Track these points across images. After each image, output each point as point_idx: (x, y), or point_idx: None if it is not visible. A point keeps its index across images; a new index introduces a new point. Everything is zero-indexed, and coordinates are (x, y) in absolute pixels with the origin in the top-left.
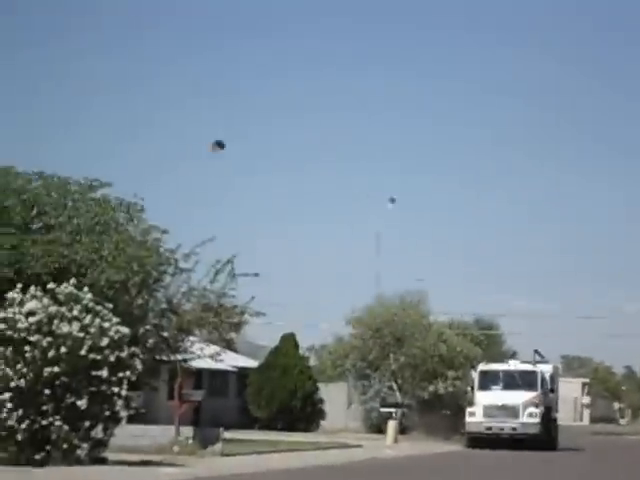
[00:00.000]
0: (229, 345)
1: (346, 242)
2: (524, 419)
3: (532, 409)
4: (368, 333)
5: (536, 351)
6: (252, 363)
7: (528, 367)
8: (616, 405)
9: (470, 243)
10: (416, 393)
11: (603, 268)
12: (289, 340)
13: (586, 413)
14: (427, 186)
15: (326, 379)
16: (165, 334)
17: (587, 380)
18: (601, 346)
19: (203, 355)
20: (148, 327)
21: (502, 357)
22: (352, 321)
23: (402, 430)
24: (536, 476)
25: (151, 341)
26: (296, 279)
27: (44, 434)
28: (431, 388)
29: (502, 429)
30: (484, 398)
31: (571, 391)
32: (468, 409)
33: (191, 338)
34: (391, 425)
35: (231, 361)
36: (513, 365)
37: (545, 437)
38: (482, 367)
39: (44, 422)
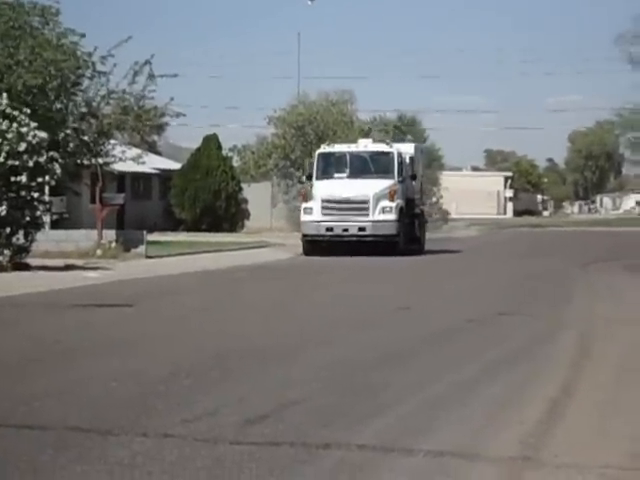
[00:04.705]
0: (151, 148)
1: (267, 43)
2: (375, 216)
3: (386, 202)
4: (290, 132)
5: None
6: (175, 165)
7: (381, 147)
8: (539, 197)
9: (396, 41)
10: None
11: (527, 66)
12: (211, 141)
13: (509, 206)
14: None
15: (249, 179)
16: (85, 138)
17: (510, 174)
18: (523, 140)
19: (125, 158)
20: (68, 131)
21: None
22: (274, 120)
23: None
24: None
25: (72, 145)
26: (217, 80)
27: None
28: None
29: (346, 230)
30: (324, 190)
31: (494, 185)
32: (303, 204)
33: (112, 141)
34: None
35: (154, 164)
36: (362, 146)
37: (404, 239)
38: (322, 149)
39: None
